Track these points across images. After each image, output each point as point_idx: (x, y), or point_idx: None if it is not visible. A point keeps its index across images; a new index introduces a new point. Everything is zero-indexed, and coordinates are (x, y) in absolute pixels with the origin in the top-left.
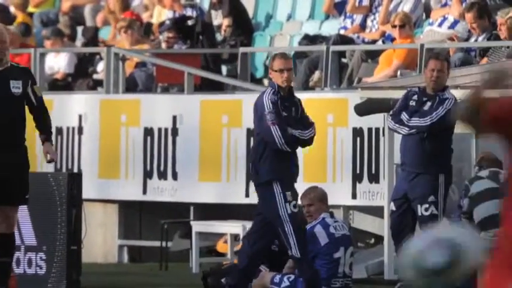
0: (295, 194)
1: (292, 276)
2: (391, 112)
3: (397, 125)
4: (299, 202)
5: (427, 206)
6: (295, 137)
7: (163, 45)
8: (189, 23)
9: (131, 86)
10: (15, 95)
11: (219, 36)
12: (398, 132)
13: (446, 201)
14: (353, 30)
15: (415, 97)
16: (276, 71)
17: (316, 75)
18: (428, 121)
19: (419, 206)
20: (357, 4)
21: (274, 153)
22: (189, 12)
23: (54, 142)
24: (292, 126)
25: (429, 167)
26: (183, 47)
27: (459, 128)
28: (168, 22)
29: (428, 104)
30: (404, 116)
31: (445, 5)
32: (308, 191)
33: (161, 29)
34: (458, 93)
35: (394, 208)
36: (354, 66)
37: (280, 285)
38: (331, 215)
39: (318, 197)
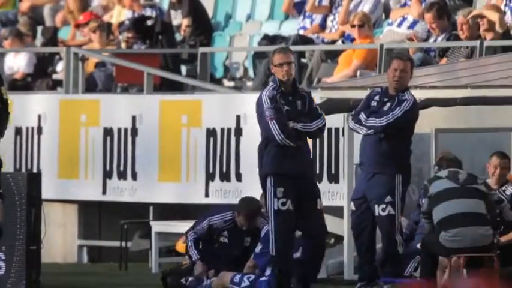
0: (287, 192)
1: (253, 276)
2: (352, 112)
3: (356, 125)
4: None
5: (384, 206)
6: (296, 130)
7: (123, 45)
8: (149, 23)
9: (91, 86)
10: None
11: (178, 36)
12: (358, 132)
13: (404, 201)
14: (312, 30)
15: (377, 97)
16: (276, 65)
17: None
18: (384, 121)
19: (376, 206)
20: (316, 4)
21: (276, 149)
22: (148, 12)
23: (13, 142)
24: (296, 119)
25: (386, 167)
26: (142, 47)
27: (418, 128)
28: (127, 22)
29: (388, 104)
30: (362, 116)
31: (405, 5)
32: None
33: (121, 29)
34: (417, 94)
35: (353, 208)
36: (313, 66)
37: (240, 285)
38: None
39: None
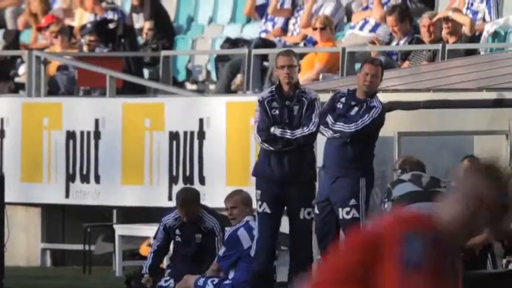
0: (263, 195)
1: (216, 280)
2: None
3: (322, 127)
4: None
5: (348, 209)
6: (274, 135)
7: (85, 48)
8: (110, 26)
9: (53, 89)
10: None
11: (140, 40)
12: (323, 134)
13: (368, 205)
14: (274, 34)
15: (343, 100)
16: (278, 67)
17: (238, 78)
18: (353, 128)
19: (340, 210)
20: (278, 7)
21: (263, 152)
22: (110, 15)
23: None
24: (288, 124)
25: (350, 171)
26: (104, 50)
27: (381, 132)
28: (89, 25)
29: (355, 109)
30: (329, 119)
31: (367, 8)
32: (232, 194)
33: (82, 32)
34: (380, 97)
35: (317, 211)
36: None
37: None
38: (255, 219)
39: (241, 200)
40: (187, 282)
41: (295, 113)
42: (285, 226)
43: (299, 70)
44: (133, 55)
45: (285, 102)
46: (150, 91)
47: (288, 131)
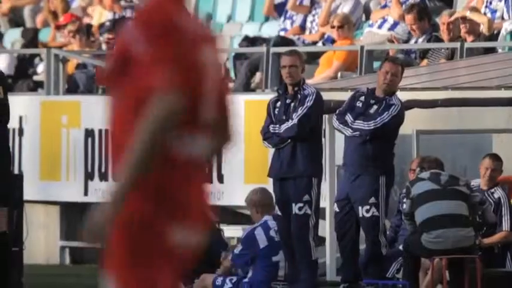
0: (275, 196)
1: (235, 278)
2: (337, 111)
3: (341, 126)
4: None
5: (368, 207)
6: (270, 133)
7: (104, 46)
8: None
9: (73, 87)
10: None
11: None
12: (342, 133)
13: (388, 203)
14: (293, 32)
15: (362, 98)
16: (281, 67)
17: (258, 76)
18: (372, 125)
19: (360, 208)
20: (297, 3)
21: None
22: (129, 13)
23: None
24: (281, 122)
25: (370, 169)
26: None
27: (400, 130)
28: (108, 23)
29: (375, 107)
30: (348, 118)
31: (385, 6)
32: (249, 194)
33: (101, 31)
34: (398, 95)
35: (337, 209)
36: None
37: (223, 287)
38: (275, 218)
39: (254, 201)
40: (205, 282)
41: (290, 110)
42: None
43: (303, 70)
44: None
45: (286, 101)
46: None
47: (277, 126)
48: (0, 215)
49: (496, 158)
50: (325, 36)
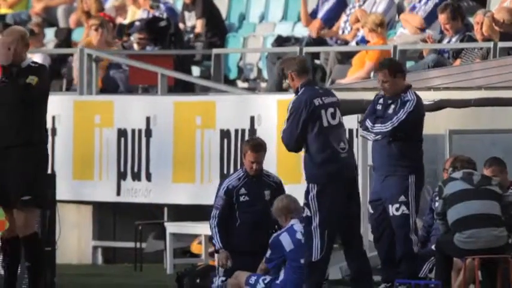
0: None
1: (268, 278)
2: (360, 119)
3: (364, 132)
4: None
5: (397, 205)
6: None
7: (135, 46)
8: (161, 24)
9: (111, 87)
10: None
11: (192, 37)
12: (367, 139)
13: (418, 202)
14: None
15: (381, 101)
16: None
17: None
18: (389, 126)
19: (390, 206)
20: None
21: None
22: (162, 12)
23: None
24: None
25: (398, 169)
26: (154, 48)
27: (433, 129)
28: (137, 23)
29: (392, 107)
30: (368, 123)
31: (414, 8)
32: (274, 204)
33: (131, 30)
34: (431, 95)
35: (371, 211)
36: (331, 68)
37: (256, 287)
38: (301, 220)
39: (281, 208)
40: (239, 279)
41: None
42: None
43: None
44: (186, 53)
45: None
46: (197, 89)
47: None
48: (34, 216)
49: (495, 163)
50: (359, 36)
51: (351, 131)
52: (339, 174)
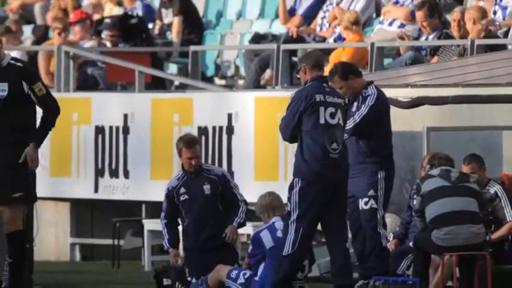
0: None
1: (248, 273)
2: None
3: None
4: None
5: (366, 199)
6: None
7: (108, 43)
8: (132, 21)
9: (90, 84)
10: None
11: (169, 35)
12: None
13: (388, 197)
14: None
15: (346, 100)
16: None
17: (268, 73)
18: (351, 124)
19: (360, 200)
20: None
21: None
22: (139, 9)
23: None
24: None
25: (368, 166)
26: (122, 45)
27: (410, 127)
28: (108, 20)
29: (355, 104)
30: None
31: (397, 3)
32: (258, 201)
33: (101, 27)
34: (408, 92)
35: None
36: None
37: (236, 281)
38: (283, 218)
39: (264, 205)
40: (220, 273)
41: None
42: None
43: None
44: (164, 50)
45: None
46: (170, 86)
47: None
48: (21, 213)
49: (474, 160)
50: (336, 33)
51: None
52: (324, 173)
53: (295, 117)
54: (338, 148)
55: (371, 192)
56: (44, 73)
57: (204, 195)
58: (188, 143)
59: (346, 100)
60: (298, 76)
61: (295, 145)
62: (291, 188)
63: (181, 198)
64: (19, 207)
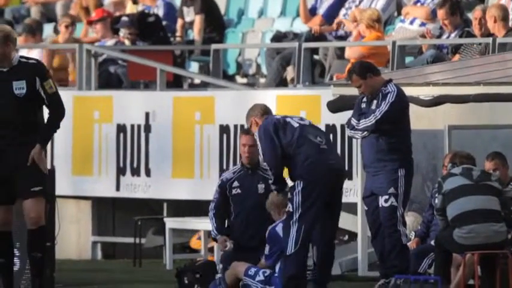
0: None
1: (268, 271)
2: (346, 120)
3: (351, 132)
4: None
5: (387, 197)
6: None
7: (126, 42)
8: (150, 19)
9: (114, 82)
10: (18, 96)
11: (190, 33)
12: (356, 138)
13: (408, 195)
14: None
15: (365, 99)
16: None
17: (290, 70)
18: (373, 120)
19: (380, 198)
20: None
21: None
22: (160, 7)
23: None
24: None
25: (388, 164)
26: (141, 44)
27: (432, 125)
28: (125, 18)
29: (375, 102)
30: (353, 122)
31: (417, 2)
32: (269, 198)
33: (119, 25)
34: (430, 90)
35: (365, 207)
36: (330, 63)
37: (255, 278)
38: None
39: (275, 203)
40: (237, 270)
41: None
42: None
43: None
44: (185, 48)
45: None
46: (186, 85)
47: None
48: (44, 208)
49: (498, 157)
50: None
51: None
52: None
53: (274, 144)
54: (323, 141)
55: (391, 190)
56: None
57: (257, 194)
58: (247, 130)
59: (365, 98)
60: (254, 130)
61: None
62: (293, 189)
63: (234, 191)
64: (41, 201)
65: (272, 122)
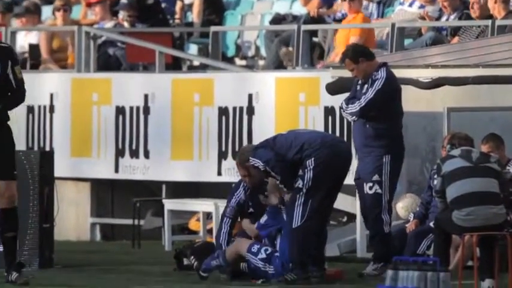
0: None
1: (270, 249)
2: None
3: (344, 114)
4: None
5: (371, 184)
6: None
7: (126, 24)
8: (149, 2)
9: (113, 64)
10: None
11: (190, 16)
12: (349, 120)
13: (394, 182)
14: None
15: (359, 81)
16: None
17: (284, 50)
18: (357, 107)
19: (365, 185)
20: None
21: None
22: None
23: (25, 120)
24: None
25: (373, 149)
26: (140, 26)
27: (431, 107)
28: (125, 1)
29: (366, 86)
30: (343, 105)
31: None
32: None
33: (118, 8)
34: (429, 72)
35: (357, 190)
36: (329, 45)
37: (257, 256)
38: None
39: (275, 186)
40: (241, 246)
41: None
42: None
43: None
44: (184, 30)
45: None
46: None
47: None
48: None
49: (492, 139)
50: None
51: None
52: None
53: (284, 159)
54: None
55: (375, 177)
56: (46, 53)
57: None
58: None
59: (360, 81)
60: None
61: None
62: (305, 167)
63: (249, 210)
64: (15, 183)
65: (273, 140)
